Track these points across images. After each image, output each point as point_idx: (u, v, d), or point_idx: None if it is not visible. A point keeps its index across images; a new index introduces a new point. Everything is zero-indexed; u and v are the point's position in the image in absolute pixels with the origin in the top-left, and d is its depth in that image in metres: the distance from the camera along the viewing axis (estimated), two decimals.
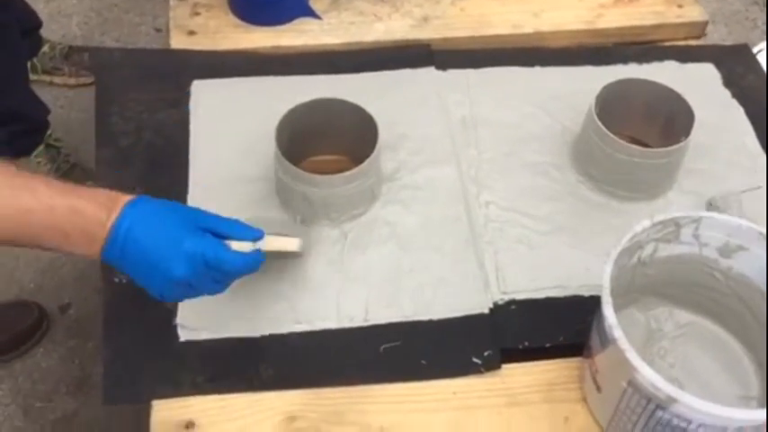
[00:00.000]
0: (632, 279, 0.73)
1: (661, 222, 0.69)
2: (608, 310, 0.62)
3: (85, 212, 0.62)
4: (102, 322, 0.77)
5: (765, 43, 1.79)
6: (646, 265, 0.73)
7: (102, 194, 0.65)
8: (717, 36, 1.99)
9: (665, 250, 0.72)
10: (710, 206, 0.85)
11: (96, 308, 0.76)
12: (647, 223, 0.68)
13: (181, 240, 0.64)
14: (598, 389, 0.68)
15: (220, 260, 0.65)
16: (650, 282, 0.75)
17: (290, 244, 0.74)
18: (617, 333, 0.60)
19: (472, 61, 1.03)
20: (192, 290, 0.67)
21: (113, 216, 0.63)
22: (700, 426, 0.58)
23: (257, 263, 0.69)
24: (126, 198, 0.65)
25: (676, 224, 0.70)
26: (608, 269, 0.64)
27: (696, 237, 0.71)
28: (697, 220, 0.70)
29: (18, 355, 1.39)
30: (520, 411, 0.72)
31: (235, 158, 0.90)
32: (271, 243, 0.71)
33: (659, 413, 0.59)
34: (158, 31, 1.92)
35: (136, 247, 0.64)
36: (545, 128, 0.96)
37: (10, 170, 0.62)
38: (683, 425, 0.59)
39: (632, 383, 0.60)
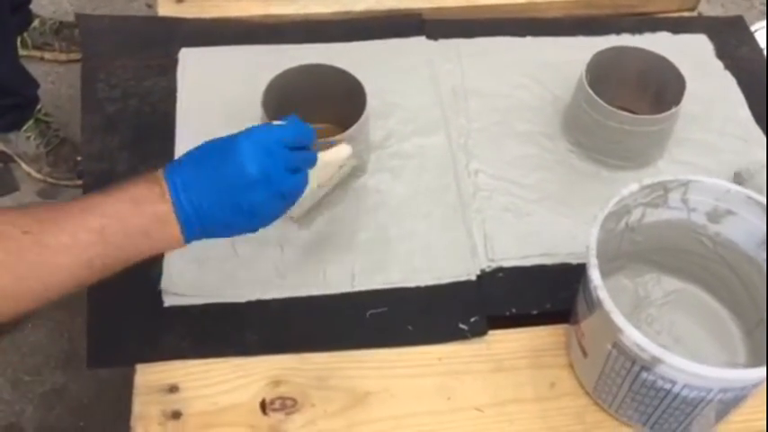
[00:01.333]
0: (620, 245, 0.73)
1: (649, 186, 0.68)
2: (594, 273, 0.61)
3: (139, 195, 0.57)
4: (86, 288, 0.76)
5: (764, 23, 1.78)
6: (634, 230, 0.72)
7: (134, 182, 0.59)
8: (712, 15, 1.98)
9: (653, 215, 0.71)
10: (737, 176, 0.84)
11: None
12: (634, 187, 0.67)
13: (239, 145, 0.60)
14: (584, 354, 0.67)
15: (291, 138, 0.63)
16: (638, 248, 0.74)
17: (341, 151, 0.72)
18: (602, 294, 0.59)
19: (463, 31, 1.02)
20: (273, 185, 0.61)
21: (163, 184, 0.58)
22: (684, 386, 0.58)
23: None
24: (157, 172, 0.60)
25: (664, 188, 0.69)
26: (594, 232, 0.64)
27: (684, 201, 0.70)
28: (685, 184, 0.69)
29: (6, 329, 1.38)
30: (506, 377, 0.72)
31: (222, 126, 0.87)
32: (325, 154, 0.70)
33: (644, 375, 0.59)
34: (150, 7, 1.90)
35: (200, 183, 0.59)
36: (536, 97, 0.95)
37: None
38: (668, 386, 0.58)
39: (617, 345, 0.60)
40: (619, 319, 0.58)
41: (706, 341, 0.73)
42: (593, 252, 0.62)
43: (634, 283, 0.76)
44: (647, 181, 0.67)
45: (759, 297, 0.69)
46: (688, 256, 0.74)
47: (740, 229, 0.69)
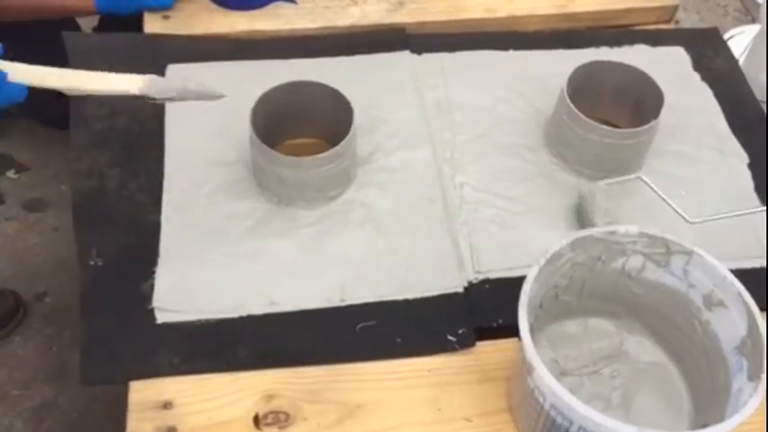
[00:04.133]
0: (614, 289, 0.73)
1: (648, 236, 0.67)
2: (522, 311, 0.61)
3: None
4: (78, 305, 0.77)
5: (738, 30, 1.82)
6: (631, 278, 0.72)
7: None
8: (689, 23, 2.01)
9: (655, 273, 0.70)
10: (581, 198, 0.84)
11: (73, 295, 0.76)
12: (565, 241, 0.66)
13: None
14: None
15: None
16: (636, 302, 0.73)
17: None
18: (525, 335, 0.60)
19: (447, 45, 1.03)
20: None
21: None
22: (579, 428, 0.59)
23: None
24: None
25: (667, 247, 0.67)
26: (529, 280, 0.63)
27: (686, 273, 0.68)
28: (688, 254, 0.67)
29: None
30: (494, 387, 0.73)
31: (210, 142, 0.90)
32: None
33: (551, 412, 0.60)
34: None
35: None
36: (518, 110, 0.97)
37: None
38: (566, 424, 0.59)
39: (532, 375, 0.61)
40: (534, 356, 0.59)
41: (658, 413, 0.71)
42: (525, 301, 0.62)
43: (621, 337, 0.76)
44: (648, 230, 0.67)
45: (721, 402, 0.64)
46: (680, 334, 0.72)
47: (725, 326, 0.66)
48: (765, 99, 1.29)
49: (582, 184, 0.89)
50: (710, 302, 0.67)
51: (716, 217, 0.81)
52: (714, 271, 0.66)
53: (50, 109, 1.11)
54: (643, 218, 0.84)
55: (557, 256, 0.67)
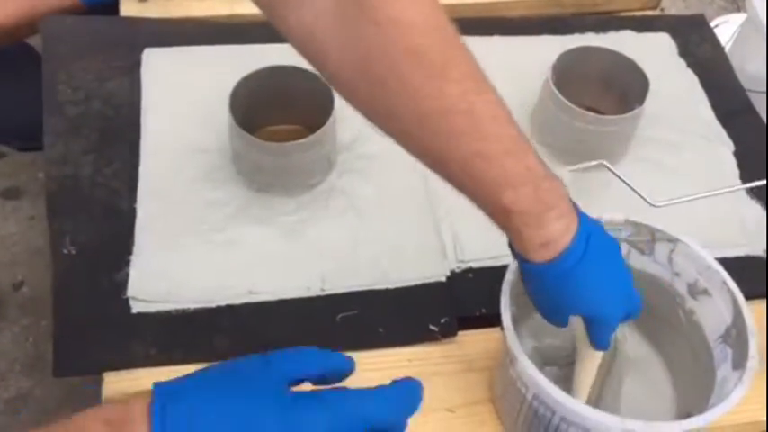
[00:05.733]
0: None
1: (634, 224, 0.65)
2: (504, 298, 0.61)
3: None
4: (51, 294, 0.75)
5: (723, 18, 1.81)
6: None
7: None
8: (674, 11, 2.01)
9: (639, 262, 0.69)
10: None
11: (50, 285, 0.74)
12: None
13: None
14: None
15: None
16: None
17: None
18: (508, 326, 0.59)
19: None
20: None
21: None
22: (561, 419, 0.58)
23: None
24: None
25: (652, 235, 0.66)
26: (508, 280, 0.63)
27: (670, 261, 0.67)
28: (673, 242, 0.66)
29: None
30: (477, 377, 0.72)
31: (188, 128, 0.88)
32: None
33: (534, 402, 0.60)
34: None
35: None
36: (504, 96, 0.95)
37: None
38: (548, 414, 0.58)
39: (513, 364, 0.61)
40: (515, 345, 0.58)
41: (641, 403, 0.70)
42: (507, 290, 0.61)
43: None
44: (633, 218, 0.66)
45: (706, 392, 0.63)
46: (664, 324, 0.70)
47: (710, 314, 0.65)
48: (751, 88, 1.28)
49: (566, 171, 0.88)
50: (695, 291, 0.66)
51: (682, 200, 0.80)
52: (699, 259, 0.65)
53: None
54: (612, 205, 0.82)
55: None
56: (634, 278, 0.63)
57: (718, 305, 0.64)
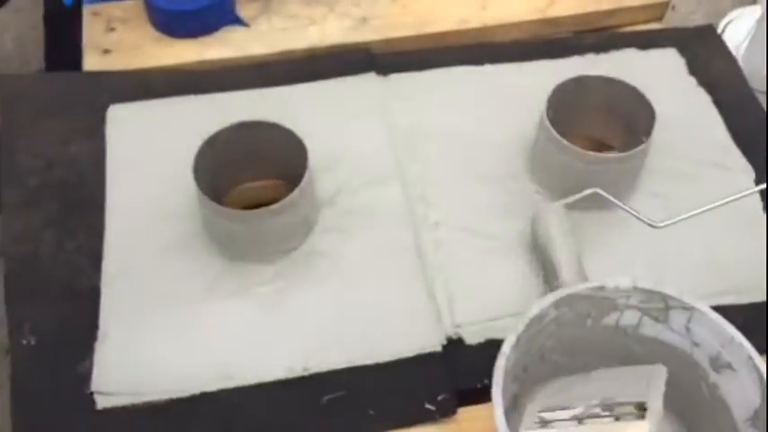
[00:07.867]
0: (610, 345, 0.64)
1: (644, 291, 0.59)
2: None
3: None
4: (9, 391, 0.69)
5: (735, 13, 1.72)
6: (627, 335, 0.63)
7: None
8: (685, 6, 1.92)
9: (653, 330, 0.62)
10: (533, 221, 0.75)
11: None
12: (544, 302, 0.58)
13: None
14: None
15: None
16: (637, 359, 0.64)
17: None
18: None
19: (417, 63, 0.94)
20: None
21: None
22: None
23: None
24: None
25: (665, 302, 0.59)
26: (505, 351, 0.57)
27: (688, 331, 0.60)
28: (689, 310, 0.59)
29: None
30: None
31: (157, 192, 0.81)
32: None
33: None
34: None
35: None
36: (499, 133, 0.88)
37: None
38: None
39: None
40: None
41: None
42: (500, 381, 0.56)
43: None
44: (642, 284, 0.59)
45: None
46: (686, 397, 0.63)
47: (736, 392, 0.58)
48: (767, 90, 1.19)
49: (569, 214, 0.79)
50: (718, 365, 0.58)
51: (684, 216, 0.72)
52: (720, 330, 0.57)
53: None
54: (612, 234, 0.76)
55: (538, 318, 0.58)
56: (649, 348, 0.55)
57: (744, 382, 0.56)
